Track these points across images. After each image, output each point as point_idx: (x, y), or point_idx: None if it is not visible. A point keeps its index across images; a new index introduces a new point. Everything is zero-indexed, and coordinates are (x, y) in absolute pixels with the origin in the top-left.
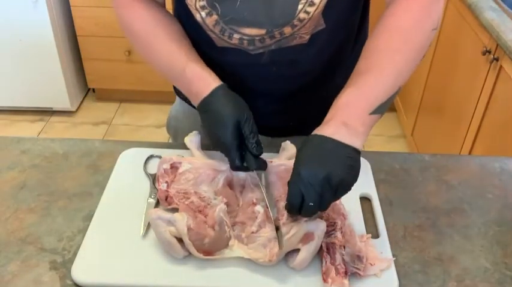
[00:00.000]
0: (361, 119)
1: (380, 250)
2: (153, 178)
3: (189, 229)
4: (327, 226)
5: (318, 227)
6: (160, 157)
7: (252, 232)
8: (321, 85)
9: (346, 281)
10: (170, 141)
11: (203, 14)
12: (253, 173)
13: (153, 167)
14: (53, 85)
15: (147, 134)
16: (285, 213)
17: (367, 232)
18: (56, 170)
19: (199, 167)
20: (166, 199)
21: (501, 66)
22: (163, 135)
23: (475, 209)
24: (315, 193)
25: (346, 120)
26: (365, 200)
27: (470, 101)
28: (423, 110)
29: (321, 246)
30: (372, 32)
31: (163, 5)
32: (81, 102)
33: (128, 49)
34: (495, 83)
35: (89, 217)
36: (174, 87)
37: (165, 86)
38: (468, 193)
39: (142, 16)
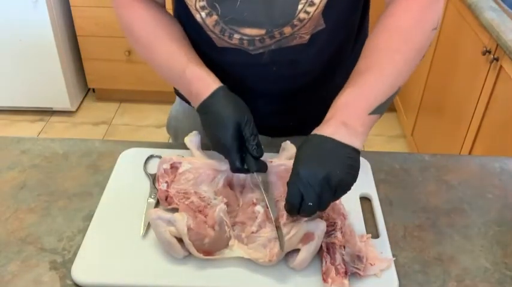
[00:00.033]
0: (361, 119)
1: (380, 250)
2: (153, 178)
3: (189, 229)
4: (327, 226)
5: (318, 227)
6: (160, 157)
7: (252, 232)
8: (321, 85)
9: (346, 281)
10: (170, 141)
11: (203, 14)
12: (254, 174)
13: (153, 167)
14: (53, 85)
15: (147, 134)
16: (285, 213)
17: (367, 232)
18: (56, 170)
19: (199, 167)
20: (166, 199)
21: (501, 66)
22: (163, 135)
23: (475, 209)
24: (314, 193)
25: (345, 120)
26: (365, 200)
27: (470, 101)
28: (423, 110)
29: (321, 246)
30: (371, 31)
31: (163, 6)
32: (81, 102)
33: (128, 49)
34: (495, 83)
35: (89, 217)
36: (174, 87)
37: (165, 86)
38: (468, 193)
39: (142, 16)
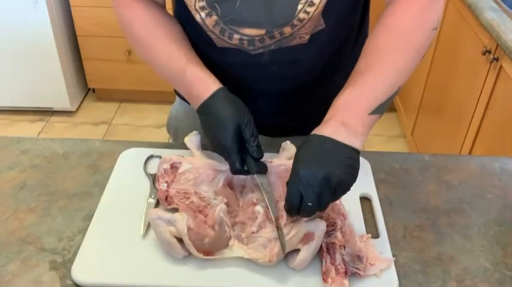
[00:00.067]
0: (361, 119)
1: (380, 250)
2: (153, 178)
3: (189, 229)
4: (327, 226)
5: (318, 227)
6: (160, 157)
7: (252, 232)
8: (320, 85)
9: (346, 281)
10: (170, 141)
11: (203, 14)
12: (254, 175)
13: (153, 167)
14: (53, 85)
15: (147, 134)
16: (285, 213)
17: (367, 232)
18: (56, 170)
19: (199, 167)
20: (166, 199)
21: (501, 66)
22: (163, 135)
23: (475, 209)
24: (314, 193)
25: (345, 120)
26: (365, 200)
27: (470, 101)
28: (423, 110)
29: (321, 246)
30: (371, 31)
31: (163, 6)
32: (81, 102)
33: (128, 49)
34: (495, 83)
35: (89, 217)
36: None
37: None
38: (468, 193)
39: (142, 16)
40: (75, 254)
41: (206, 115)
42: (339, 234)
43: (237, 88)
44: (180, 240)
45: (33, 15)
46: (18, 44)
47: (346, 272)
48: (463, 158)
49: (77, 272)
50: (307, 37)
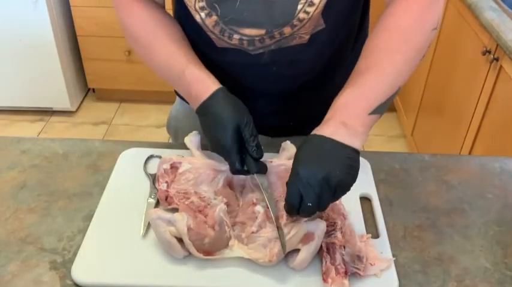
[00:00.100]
0: (361, 119)
1: (380, 250)
2: (153, 178)
3: (189, 229)
4: (327, 226)
5: (318, 227)
6: (160, 157)
7: (252, 232)
8: (320, 85)
9: (346, 281)
10: (170, 141)
11: (203, 15)
12: (254, 175)
13: (153, 167)
14: (53, 85)
15: (147, 134)
16: (285, 213)
17: (367, 232)
18: (56, 170)
19: (199, 167)
20: (166, 199)
21: (501, 66)
22: (163, 135)
23: (475, 209)
24: (314, 193)
25: (345, 120)
26: (365, 200)
27: (470, 101)
28: (423, 110)
29: (321, 246)
30: (371, 31)
31: (162, 6)
32: (81, 102)
33: (128, 49)
34: (495, 83)
35: (89, 217)
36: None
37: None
38: (468, 193)
39: (141, 17)
40: (75, 254)
41: (205, 115)
42: (339, 234)
43: (237, 88)
44: (180, 240)
45: (33, 15)
46: (18, 44)
47: (346, 272)
48: (463, 158)
49: (77, 272)
50: (307, 37)
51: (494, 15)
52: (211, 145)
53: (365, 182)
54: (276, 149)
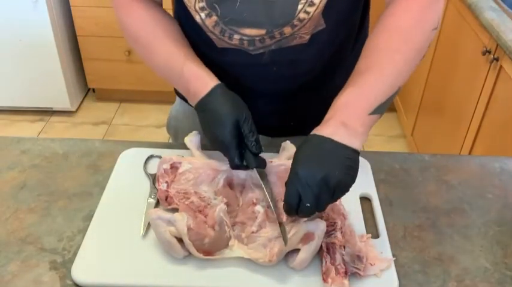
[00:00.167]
0: (361, 120)
1: (380, 250)
2: (153, 178)
3: (189, 229)
4: (327, 226)
5: (318, 227)
6: (160, 157)
7: (252, 232)
8: (321, 85)
9: (346, 281)
10: (170, 141)
11: (203, 15)
12: (254, 173)
13: (153, 167)
14: (53, 85)
15: (147, 134)
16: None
17: (367, 232)
18: (56, 170)
19: (199, 167)
20: (166, 199)
21: (501, 66)
22: (163, 135)
23: (475, 209)
24: (312, 193)
25: (345, 120)
26: (365, 200)
27: (470, 101)
28: (423, 110)
29: (321, 246)
30: (371, 31)
31: (160, 4)
32: (81, 102)
33: (128, 49)
34: (495, 83)
35: (89, 217)
36: (174, 87)
37: (165, 86)
38: (468, 193)
39: (141, 16)
40: (75, 254)
41: (204, 112)
42: (339, 234)
43: (237, 88)
44: (180, 240)
45: (33, 15)
46: (18, 44)
47: (346, 272)
48: (463, 158)
49: (77, 272)
50: (307, 37)
51: (494, 15)
52: (210, 141)
53: (365, 182)
54: (276, 149)
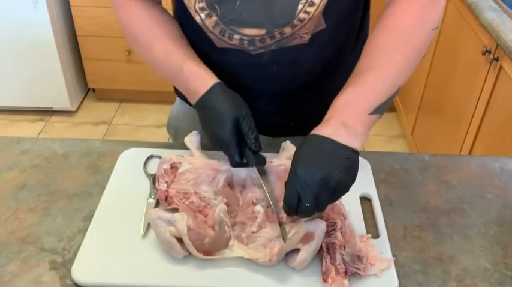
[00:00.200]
0: (361, 119)
1: (380, 250)
2: (153, 178)
3: (189, 229)
4: (327, 226)
5: (318, 227)
6: (160, 157)
7: (252, 232)
8: (321, 85)
9: (346, 281)
10: (170, 141)
11: (202, 15)
12: (254, 174)
13: (153, 167)
14: (53, 85)
15: (147, 134)
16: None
17: (367, 232)
18: (56, 170)
19: (199, 167)
20: (166, 199)
21: (501, 66)
22: (163, 135)
23: (475, 209)
24: (312, 193)
25: (345, 120)
26: (365, 200)
27: (470, 101)
28: (423, 110)
29: (321, 246)
30: (372, 32)
31: (159, 2)
32: (81, 102)
33: (128, 49)
34: (495, 83)
35: (89, 217)
36: (175, 88)
37: (165, 86)
38: (468, 193)
39: (140, 15)
40: (75, 254)
41: (204, 110)
42: (339, 234)
43: (237, 88)
44: (180, 240)
45: (33, 15)
46: (18, 44)
47: (346, 272)
48: (463, 158)
49: (77, 272)
50: (307, 37)
51: (494, 15)
52: (210, 139)
53: (365, 182)
54: (276, 149)
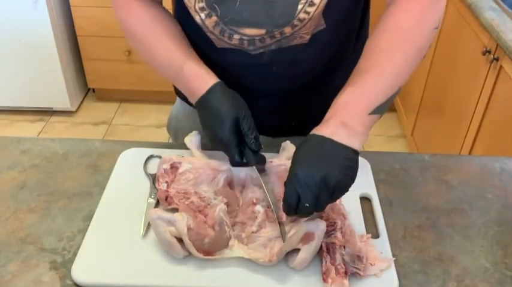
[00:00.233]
0: (361, 119)
1: (380, 250)
2: (153, 178)
3: (189, 229)
4: (327, 226)
5: (318, 227)
6: (160, 157)
7: (252, 232)
8: (321, 85)
9: (346, 281)
10: (170, 141)
11: (202, 15)
12: (254, 174)
13: (153, 167)
14: (53, 85)
15: (147, 134)
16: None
17: (367, 232)
18: (56, 170)
19: (199, 167)
20: (166, 199)
21: (501, 66)
22: (163, 135)
23: (475, 209)
24: (311, 193)
25: (345, 120)
26: (365, 200)
27: (470, 101)
28: (423, 110)
29: (321, 246)
30: (372, 32)
31: (160, 2)
32: (81, 102)
33: (128, 49)
34: (495, 83)
35: (89, 217)
36: (175, 88)
37: (165, 86)
38: (468, 193)
39: (140, 15)
40: (75, 254)
41: (204, 110)
42: (339, 234)
43: (237, 88)
44: (180, 240)
45: (33, 15)
46: (18, 44)
47: (346, 272)
48: (463, 158)
49: (77, 272)
50: (307, 37)
51: (494, 15)
52: (210, 139)
53: (365, 182)
54: (276, 149)
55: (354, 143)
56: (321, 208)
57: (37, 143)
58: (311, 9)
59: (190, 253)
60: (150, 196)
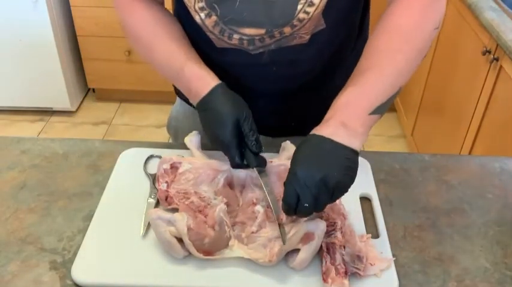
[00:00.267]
0: (361, 120)
1: (380, 250)
2: (153, 178)
3: (189, 229)
4: (327, 226)
5: (318, 227)
6: (160, 157)
7: (252, 232)
8: (321, 85)
9: (346, 281)
10: (170, 141)
11: (202, 15)
12: (254, 174)
13: (153, 167)
14: (53, 85)
15: (147, 134)
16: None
17: (367, 232)
18: (56, 170)
19: (199, 167)
20: (166, 199)
21: (501, 66)
22: (163, 135)
23: (475, 209)
24: (311, 194)
25: (345, 120)
26: (365, 200)
27: (470, 101)
28: (423, 110)
29: (321, 246)
30: (372, 32)
31: (161, 3)
32: (81, 102)
33: (128, 49)
34: (495, 83)
35: (89, 217)
36: (175, 88)
37: (165, 86)
38: (468, 193)
39: (142, 16)
40: (75, 254)
41: (205, 111)
42: (339, 234)
43: (237, 88)
44: (180, 240)
45: (33, 15)
46: (18, 44)
47: (346, 272)
48: (463, 158)
49: (77, 272)
50: (307, 37)
51: (494, 15)
52: (211, 140)
53: (365, 182)
54: (276, 149)
55: (353, 143)
56: (320, 208)
57: (37, 143)
58: (311, 9)
59: (190, 253)
60: (150, 196)
